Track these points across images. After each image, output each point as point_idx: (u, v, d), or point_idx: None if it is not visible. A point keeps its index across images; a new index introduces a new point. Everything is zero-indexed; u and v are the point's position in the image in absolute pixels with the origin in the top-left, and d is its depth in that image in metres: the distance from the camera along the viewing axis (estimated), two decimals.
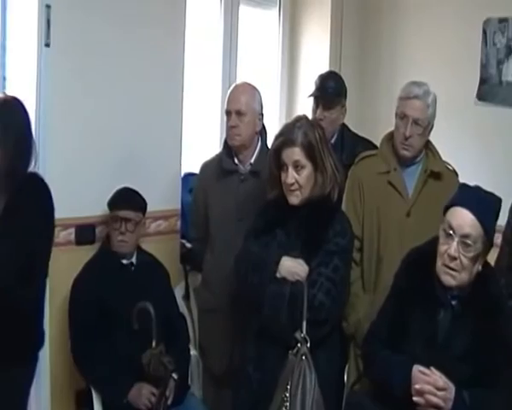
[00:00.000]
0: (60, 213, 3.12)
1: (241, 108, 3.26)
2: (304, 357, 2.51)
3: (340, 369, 3.09)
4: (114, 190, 3.36)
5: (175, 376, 3.10)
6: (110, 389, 3.11)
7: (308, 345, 2.53)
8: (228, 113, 3.31)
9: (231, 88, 3.43)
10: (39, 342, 2.98)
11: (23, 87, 3.28)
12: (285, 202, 2.76)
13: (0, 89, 3.35)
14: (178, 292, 3.73)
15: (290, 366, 2.52)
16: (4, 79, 3.38)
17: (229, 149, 3.35)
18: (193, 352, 3.53)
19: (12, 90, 3.24)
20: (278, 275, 2.69)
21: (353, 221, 2.97)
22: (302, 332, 2.55)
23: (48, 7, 3.18)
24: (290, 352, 2.55)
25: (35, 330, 2.94)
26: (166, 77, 3.75)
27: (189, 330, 3.58)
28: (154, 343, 3.05)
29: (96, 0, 3.40)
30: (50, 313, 3.28)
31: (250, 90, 3.36)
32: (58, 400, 3.39)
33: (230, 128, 3.29)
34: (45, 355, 3.27)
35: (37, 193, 2.88)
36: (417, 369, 2.44)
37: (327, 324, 2.68)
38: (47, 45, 3.21)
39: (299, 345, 2.53)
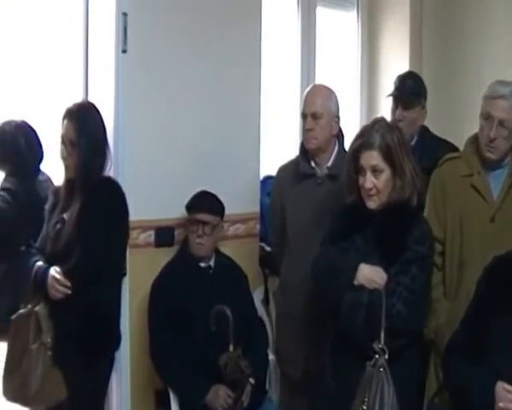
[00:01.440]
0: (139, 215, 3.17)
1: (316, 110, 3.13)
2: (382, 369, 2.36)
3: (420, 381, 2.91)
4: (193, 194, 3.28)
5: (252, 380, 3.02)
6: (187, 391, 3.07)
7: (386, 356, 2.38)
8: (304, 115, 3.19)
9: (307, 90, 3.31)
10: (115, 343, 3.01)
11: (102, 92, 3.27)
12: (363, 206, 2.61)
13: (82, 95, 3.37)
14: (257, 296, 3.63)
15: (368, 377, 2.38)
16: (87, 84, 3.40)
17: (305, 153, 3.22)
18: (271, 357, 3.42)
19: (92, 96, 3.26)
20: (356, 282, 2.54)
21: (435, 225, 2.80)
22: (380, 343, 2.39)
23: (124, 14, 3.18)
24: (368, 363, 2.39)
25: (111, 331, 2.97)
26: (244, 79, 3.67)
27: (269, 335, 3.48)
28: (231, 347, 2.98)
29: (171, 6, 3.36)
30: (130, 314, 3.27)
31: (326, 92, 3.23)
32: (138, 399, 3.36)
33: (306, 131, 3.16)
34: (126, 355, 3.27)
35: (111, 196, 2.91)
36: (502, 386, 2.22)
37: (405, 334, 2.52)
38: (124, 52, 3.20)
39: (376, 356, 2.38)
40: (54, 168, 3.38)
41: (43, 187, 3.43)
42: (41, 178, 3.49)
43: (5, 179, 3.41)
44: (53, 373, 2.76)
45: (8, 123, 3.45)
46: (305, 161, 3.22)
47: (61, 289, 2.73)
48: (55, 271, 2.76)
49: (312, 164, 3.21)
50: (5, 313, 3.12)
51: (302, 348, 3.17)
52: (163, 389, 3.19)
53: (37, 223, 3.07)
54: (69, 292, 2.74)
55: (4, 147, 3.39)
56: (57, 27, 3.41)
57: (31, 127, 3.46)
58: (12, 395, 2.83)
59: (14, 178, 3.37)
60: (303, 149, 3.24)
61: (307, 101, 3.20)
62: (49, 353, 2.76)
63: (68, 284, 2.72)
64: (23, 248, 3.26)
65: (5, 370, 2.83)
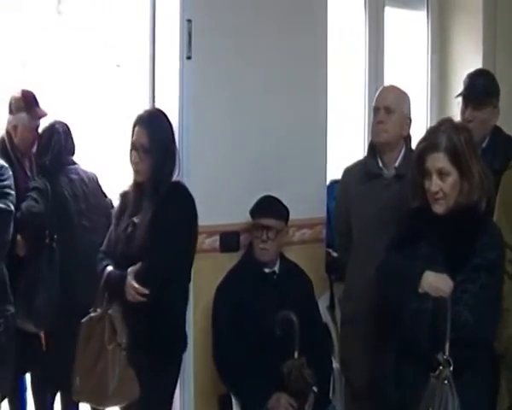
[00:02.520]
0: (205, 220, 3.13)
1: (390, 105, 3.05)
2: (446, 381, 2.20)
3: (490, 396, 2.70)
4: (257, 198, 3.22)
5: (315, 389, 2.95)
6: (249, 397, 3.01)
7: (451, 368, 2.21)
8: (376, 109, 3.11)
9: (381, 87, 3.29)
10: (183, 345, 3.00)
11: (167, 98, 3.28)
12: (429, 211, 2.46)
13: (149, 100, 3.40)
14: (323, 303, 3.54)
15: (431, 389, 2.22)
16: (153, 90, 3.42)
17: (373, 152, 3.13)
18: (336, 365, 3.32)
19: (158, 102, 3.28)
20: (420, 290, 2.39)
21: (505, 230, 2.58)
22: (445, 354, 2.23)
23: (189, 21, 3.18)
24: (432, 374, 2.24)
25: (179, 332, 2.95)
26: (310, 82, 3.59)
27: (334, 342, 3.39)
28: (296, 354, 2.91)
29: (235, 13, 3.34)
30: (195, 318, 3.25)
31: (400, 91, 3.18)
32: (201, 403, 3.34)
33: (377, 124, 3.08)
34: (190, 359, 3.25)
35: (181, 201, 2.89)
36: None
37: (471, 345, 2.33)
38: (188, 58, 3.20)
39: (441, 367, 2.22)
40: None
41: (73, 185, 3.54)
42: (73, 176, 3.58)
43: (36, 179, 3.55)
44: (128, 373, 2.76)
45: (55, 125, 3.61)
46: (372, 160, 3.12)
47: (138, 297, 2.74)
48: (132, 278, 2.76)
49: (380, 164, 3.10)
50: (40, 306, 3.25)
51: (366, 355, 3.02)
52: (226, 393, 3.15)
53: (60, 218, 3.39)
54: (146, 299, 2.74)
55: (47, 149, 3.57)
56: (124, 34, 3.44)
57: (57, 129, 3.57)
58: (87, 396, 2.86)
59: (42, 177, 3.51)
60: (371, 147, 3.15)
61: (381, 95, 3.15)
62: (124, 353, 2.76)
63: (146, 291, 2.72)
64: (47, 240, 3.38)
65: (79, 372, 2.82)
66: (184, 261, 2.89)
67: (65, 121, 3.65)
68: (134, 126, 2.87)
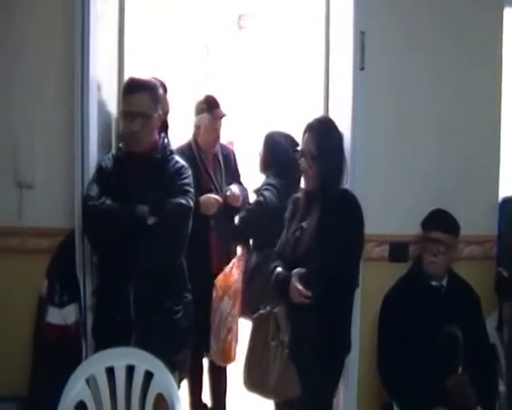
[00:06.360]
0: (375, 229, 3.18)
1: None
2: None
3: None
4: (429, 211, 3.19)
5: (479, 409, 2.84)
6: (412, 408, 2.94)
7: None
8: None
9: None
10: (345, 350, 3.02)
11: (341, 108, 3.33)
12: None
13: (323, 109, 3.48)
14: (491, 322, 3.36)
15: None
16: (327, 100, 3.50)
17: None
18: (502, 387, 3.16)
19: (332, 112, 3.34)
20: None
21: None
22: None
23: (362, 33, 3.21)
24: None
25: (342, 336, 2.98)
26: (482, 95, 3.44)
27: (502, 364, 3.22)
28: (459, 370, 2.85)
29: (407, 24, 3.33)
30: (361, 325, 3.28)
31: None
32: (364, 409, 3.35)
33: None
34: (354, 365, 3.29)
35: (347, 208, 2.92)
36: None
37: None
38: (362, 69, 3.23)
39: None
40: None
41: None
42: None
43: (270, 178, 3.71)
44: (289, 370, 2.83)
45: (279, 134, 3.80)
46: None
47: (302, 299, 2.80)
48: (296, 280, 2.82)
49: None
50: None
51: None
52: (389, 403, 3.11)
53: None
54: (309, 301, 2.80)
55: (277, 155, 3.74)
56: (300, 45, 3.54)
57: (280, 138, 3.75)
58: (251, 386, 2.97)
59: (280, 178, 3.67)
60: None
61: None
62: (287, 351, 2.83)
63: (309, 294, 2.78)
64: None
65: (246, 363, 2.97)
66: (349, 267, 2.91)
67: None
68: (303, 134, 2.94)
